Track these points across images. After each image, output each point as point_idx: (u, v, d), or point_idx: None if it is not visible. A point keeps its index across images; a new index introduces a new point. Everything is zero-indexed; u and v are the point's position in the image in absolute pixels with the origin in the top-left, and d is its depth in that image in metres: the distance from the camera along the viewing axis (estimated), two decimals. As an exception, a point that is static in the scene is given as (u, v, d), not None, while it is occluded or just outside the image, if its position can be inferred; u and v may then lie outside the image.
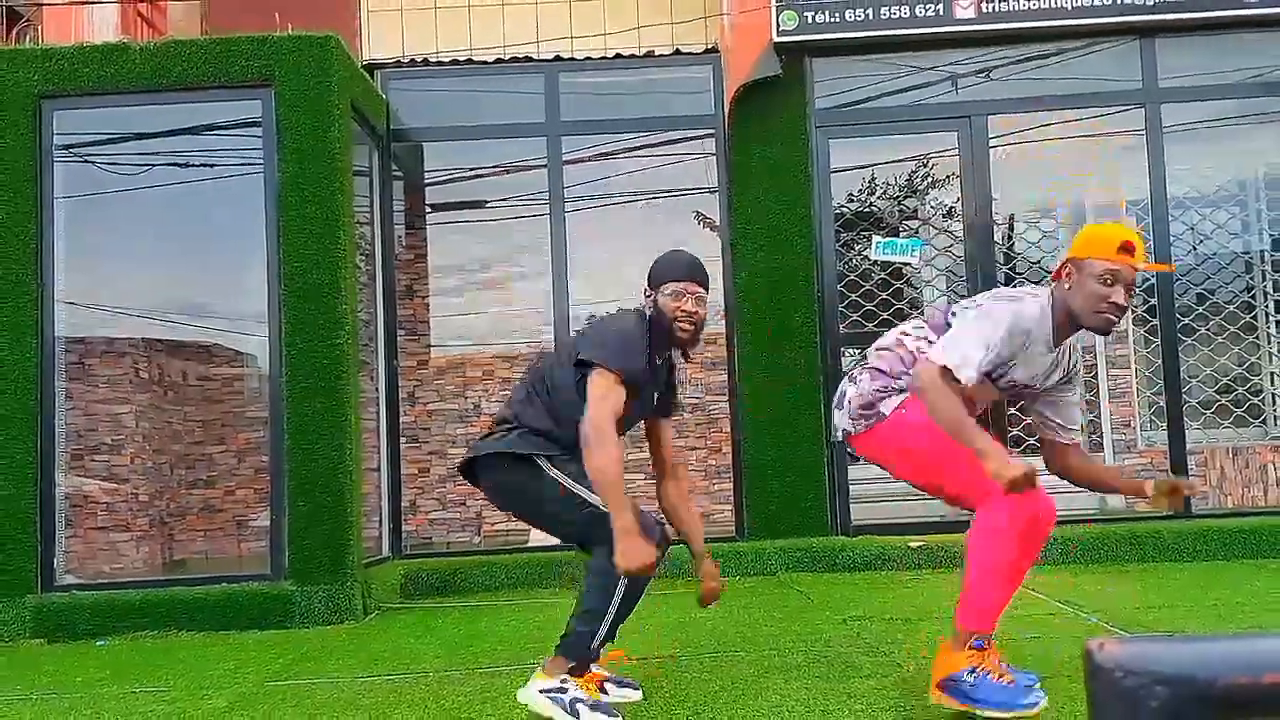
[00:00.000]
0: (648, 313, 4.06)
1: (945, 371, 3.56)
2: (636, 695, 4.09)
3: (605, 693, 4.02)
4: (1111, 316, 3.72)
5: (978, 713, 3.50)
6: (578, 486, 3.85)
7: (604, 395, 3.79)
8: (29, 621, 6.20)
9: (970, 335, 3.65)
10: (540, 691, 3.79)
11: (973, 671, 3.55)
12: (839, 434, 4.03)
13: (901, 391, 3.86)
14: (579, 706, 3.72)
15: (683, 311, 4.02)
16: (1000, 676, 3.54)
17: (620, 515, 3.64)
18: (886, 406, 3.85)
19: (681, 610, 5.97)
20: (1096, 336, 8.42)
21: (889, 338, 4.02)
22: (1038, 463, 4.02)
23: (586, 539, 3.88)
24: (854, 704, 3.78)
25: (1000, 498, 3.52)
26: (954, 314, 3.86)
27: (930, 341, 3.85)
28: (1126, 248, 3.68)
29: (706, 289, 4.12)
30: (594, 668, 4.10)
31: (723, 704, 3.89)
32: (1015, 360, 3.80)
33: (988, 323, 3.68)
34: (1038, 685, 3.56)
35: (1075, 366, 4.01)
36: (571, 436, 3.85)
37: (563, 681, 3.79)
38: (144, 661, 5.44)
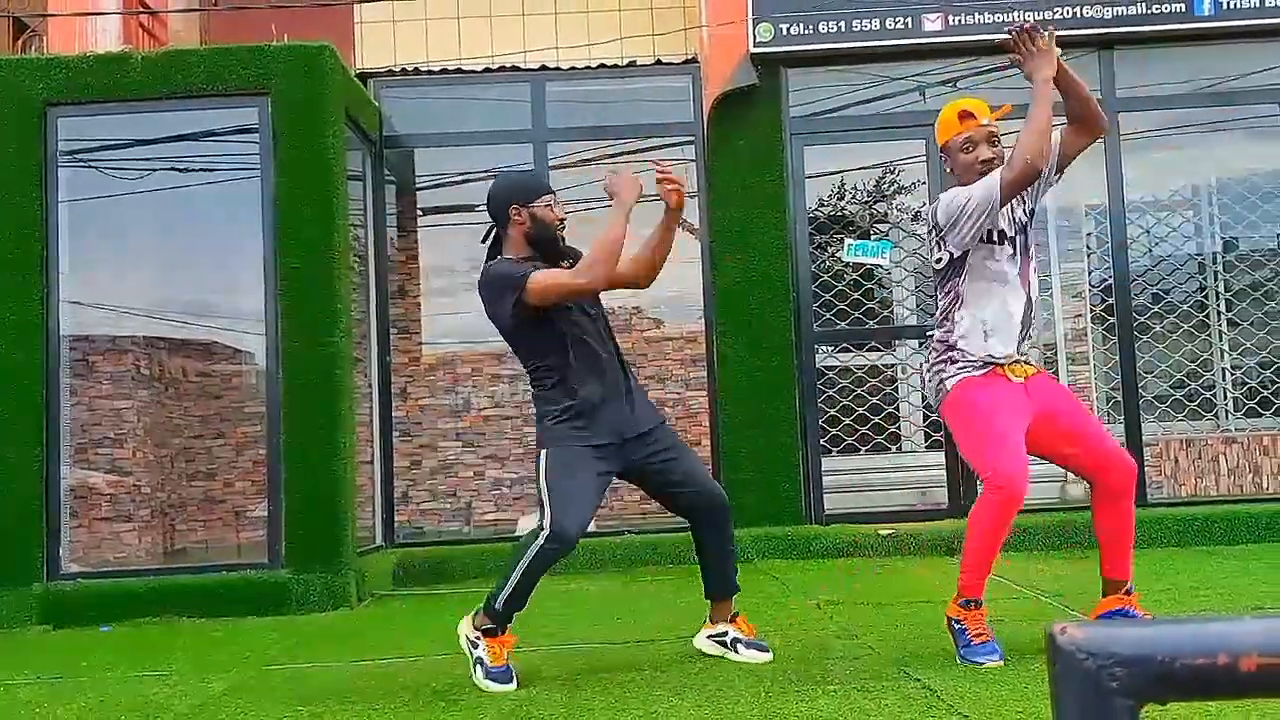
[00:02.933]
0: (523, 232, 4.21)
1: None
2: (766, 656, 4.20)
3: (736, 652, 4.23)
4: (983, 171, 4.05)
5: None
6: (543, 486, 4.07)
7: (553, 275, 4.07)
8: (35, 608, 6.16)
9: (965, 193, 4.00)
10: (465, 637, 4.12)
11: (958, 620, 3.99)
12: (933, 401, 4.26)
13: (949, 358, 4.07)
14: (478, 669, 4.01)
15: (559, 220, 4.26)
16: (977, 636, 3.94)
17: (618, 224, 4.12)
18: (947, 380, 4.07)
19: (660, 597, 5.97)
20: (1057, 330, 8.46)
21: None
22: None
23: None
24: (827, 685, 3.78)
25: (988, 488, 3.90)
26: (938, 215, 4.12)
27: (944, 318, 4.12)
28: (965, 114, 3.95)
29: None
30: (728, 630, 4.29)
31: (702, 684, 3.89)
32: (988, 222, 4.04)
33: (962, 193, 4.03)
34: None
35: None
36: (550, 386, 4.14)
37: (477, 638, 4.06)
38: (146, 646, 5.41)
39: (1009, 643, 4.30)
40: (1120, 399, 7.76)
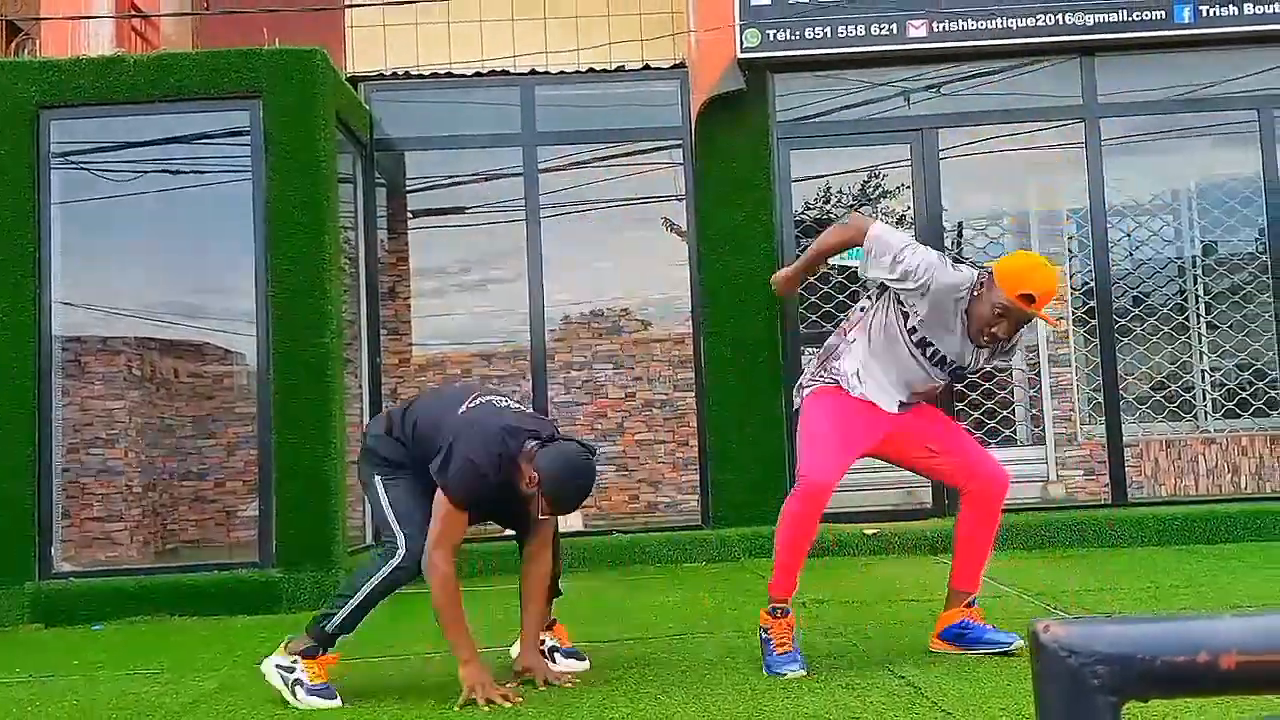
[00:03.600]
0: (514, 455, 3.79)
1: (868, 226, 3.95)
2: (583, 665, 4.18)
3: (553, 661, 4.14)
4: (981, 338, 3.97)
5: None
6: (388, 511, 3.93)
7: (443, 519, 3.77)
8: (28, 607, 6.13)
9: (897, 234, 4.03)
10: (275, 666, 3.95)
11: (765, 630, 4.03)
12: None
13: (820, 376, 4.16)
14: (298, 689, 3.87)
15: (546, 510, 3.87)
16: (780, 646, 3.97)
17: (461, 650, 3.80)
18: (806, 390, 4.20)
19: (648, 595, 5.97)
20: (1039, 331, 8.48)
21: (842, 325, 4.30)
22: None
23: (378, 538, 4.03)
24: (812, 682, 3.79)
25: (798, 482, 4.03)
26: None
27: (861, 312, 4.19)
28: (1026, 297, 3.81)
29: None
30: (545, 638, 4.22)
31: (689, 683, 3.90)
32: (928, 317, 3.96)
33: (911, 242, 4.00)
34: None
35: (1006, 348, 4.13)
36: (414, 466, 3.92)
37: (293, 661, 3.93)
38: (138, 645, 5.39)
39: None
40: (1101, 400, 7.80)
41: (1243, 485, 8.19)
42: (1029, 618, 4.21)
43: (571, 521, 7.58)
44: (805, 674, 3.88)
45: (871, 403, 4.08)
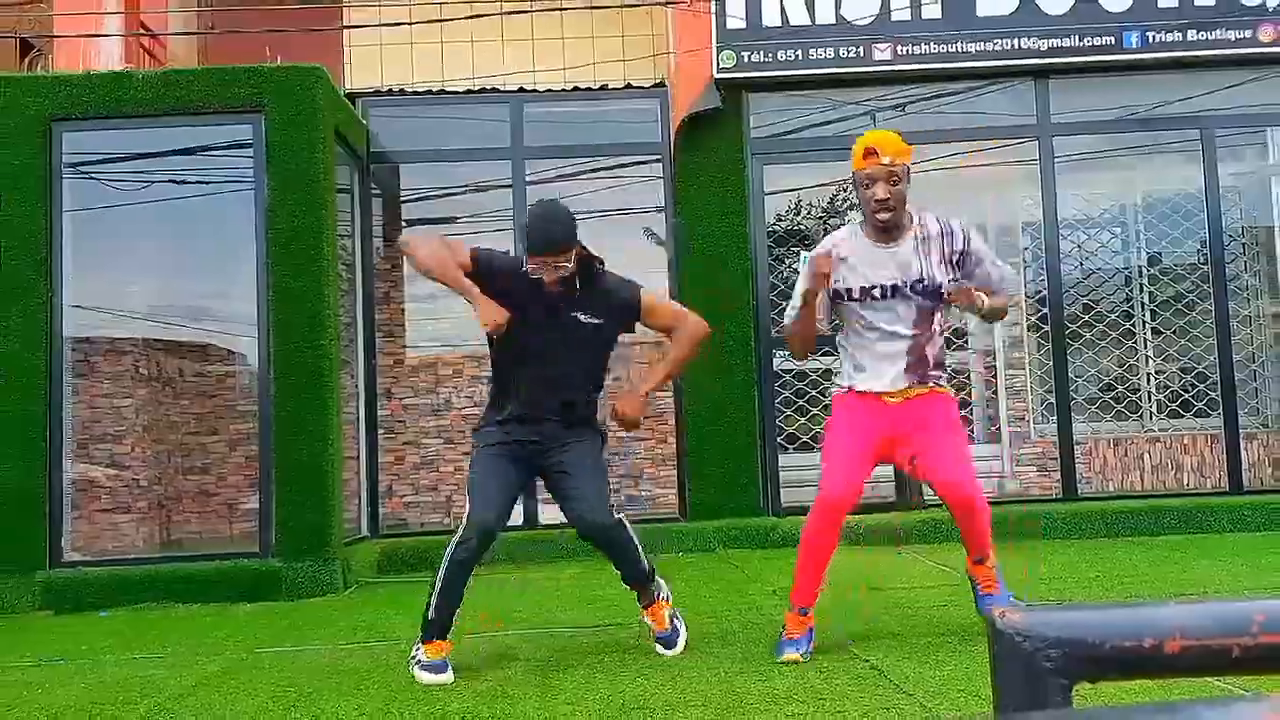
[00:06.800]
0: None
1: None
2: (667, 651, 4.10)
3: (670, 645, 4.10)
4: (879, 214, 3.85)
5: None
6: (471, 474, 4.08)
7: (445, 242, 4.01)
8: (38, 595, 6.09)
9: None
10: (410, 656, 3.99)
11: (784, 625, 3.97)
12: None
13: (838, 381, 4.20)
14: (416, 667, 3.89)
15: (541, 278, 3.91)
16: (788, 634, 3.92)
17: (466, 289, 3.82)
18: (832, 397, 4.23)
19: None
20: (995, 338, 8.51)
21: None
22: None
23: None
24: (783, 666, 3.79)
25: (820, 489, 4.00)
26: None
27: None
28: (869, 153, 3.82)
29: (558, 252, 3.84)
30: (647, 619, 4.22)
31: (666, 665, 3.90)
32: (842, 275, 3.94)
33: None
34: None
35: (959, 248, 3.94)
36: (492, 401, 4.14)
37: (416, 648, 3.95)
38: (144, 631, 5.36)
39: (953, 626, 4.33)
40: (1053, 400, 7.84)
41: (1185, 481, 8.24)
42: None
43: (556, 516, 7.56)
44: (799, 659, 3.82)
45: (871, 395, 3.97)
